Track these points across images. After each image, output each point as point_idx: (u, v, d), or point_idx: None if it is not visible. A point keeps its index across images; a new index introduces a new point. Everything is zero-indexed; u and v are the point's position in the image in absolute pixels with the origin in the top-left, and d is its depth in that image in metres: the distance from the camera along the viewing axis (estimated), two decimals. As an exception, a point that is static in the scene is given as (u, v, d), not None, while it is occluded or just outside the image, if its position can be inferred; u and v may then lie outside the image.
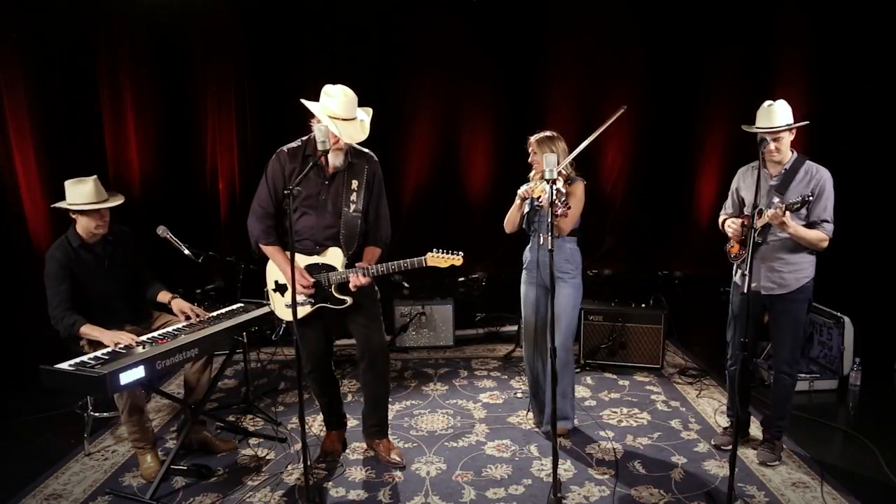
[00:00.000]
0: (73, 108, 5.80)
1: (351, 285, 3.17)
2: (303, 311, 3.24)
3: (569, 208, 3.28)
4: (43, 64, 5.58)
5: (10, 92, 5.40)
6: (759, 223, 3.12)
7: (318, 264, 3.22)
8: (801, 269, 3.24)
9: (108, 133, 6.19)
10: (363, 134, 3.13)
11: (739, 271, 3.40)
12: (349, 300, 3.23)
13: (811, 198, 3.03)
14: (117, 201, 3.42)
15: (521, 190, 3.51)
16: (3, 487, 3.30)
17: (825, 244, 3.17)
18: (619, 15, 7.11)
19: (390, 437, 3.60)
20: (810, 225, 3.16)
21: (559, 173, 3.44)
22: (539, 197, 3.39)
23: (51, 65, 5.63)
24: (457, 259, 3.13)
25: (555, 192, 3.09)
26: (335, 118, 3.04)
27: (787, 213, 3.01)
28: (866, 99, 6.17)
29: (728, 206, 3.52)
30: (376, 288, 3.41)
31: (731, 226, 3.35)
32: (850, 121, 6.25)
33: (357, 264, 3.19)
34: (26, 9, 5.45)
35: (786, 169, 3.22)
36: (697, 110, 7.31)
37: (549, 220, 2.92)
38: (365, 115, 3.19)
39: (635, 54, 7.26)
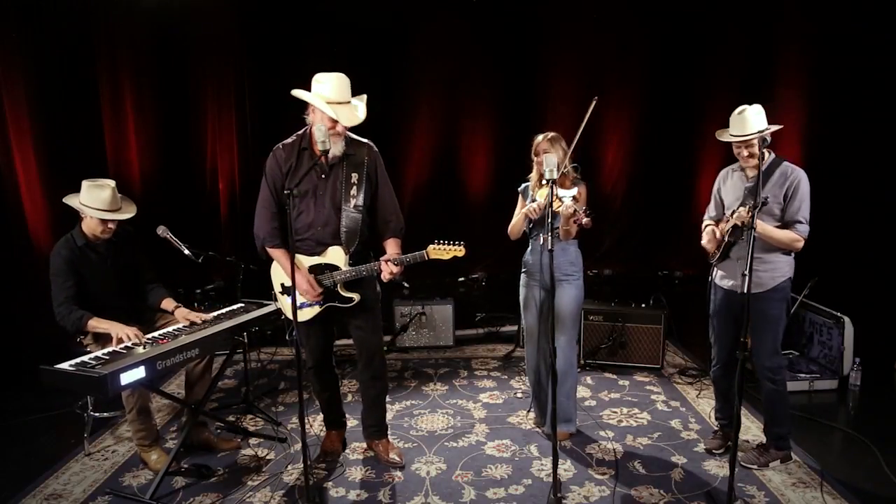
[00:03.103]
0: (73, 107, 5.79)
1: (385, 276, 3.10)
2: (312, 312, 3.23)
3: (591, 216, 3.20)
4: (43, 64, 5.57)
5: (10, 92, 5.39)
6: (729, 224, 3.20)
7: (321, 265, 3.20)
8: (776, 269, 3.23)
9: (108, 133, 6.19)
10: (361, 115, 3.05)
11: (718, 271, 3.44)
12: (356, 297, 3.21)
13: (765, 201, 3.07)
14: (129, 214, 3.42)
15: (532, 207, 3.39)
16: (3, 487, 3.30)
17: (799, 244, 3.17)
18: (619, 15, 7.12)
19: (390, 437, 3.60)
20: (784, 226, 3.16)
21: (563, 175, 3.44)
22: (552, 204, 3.26)
23: (51, 64, 5.62)
24: (459, 250, 3.06)
25: (572, 200, 3.11)
26: (331, 102, 2.97)
27: (752, 214, 2.94)
28: (866, 100, 6.16)
29: (711, 209, 3.53)
30: (378, 289, 3.39)
31: (706, 237, 3.40)
32: (849, 121, 6.23)
33: (386, 255, 3.15)
34: (26, 9, 5.45)
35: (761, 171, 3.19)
36: (697, 110, 7.31)
37: (549, 220, 2.92)
38: (359, 101, 3.12)
39: (635, 54, 7.27)
